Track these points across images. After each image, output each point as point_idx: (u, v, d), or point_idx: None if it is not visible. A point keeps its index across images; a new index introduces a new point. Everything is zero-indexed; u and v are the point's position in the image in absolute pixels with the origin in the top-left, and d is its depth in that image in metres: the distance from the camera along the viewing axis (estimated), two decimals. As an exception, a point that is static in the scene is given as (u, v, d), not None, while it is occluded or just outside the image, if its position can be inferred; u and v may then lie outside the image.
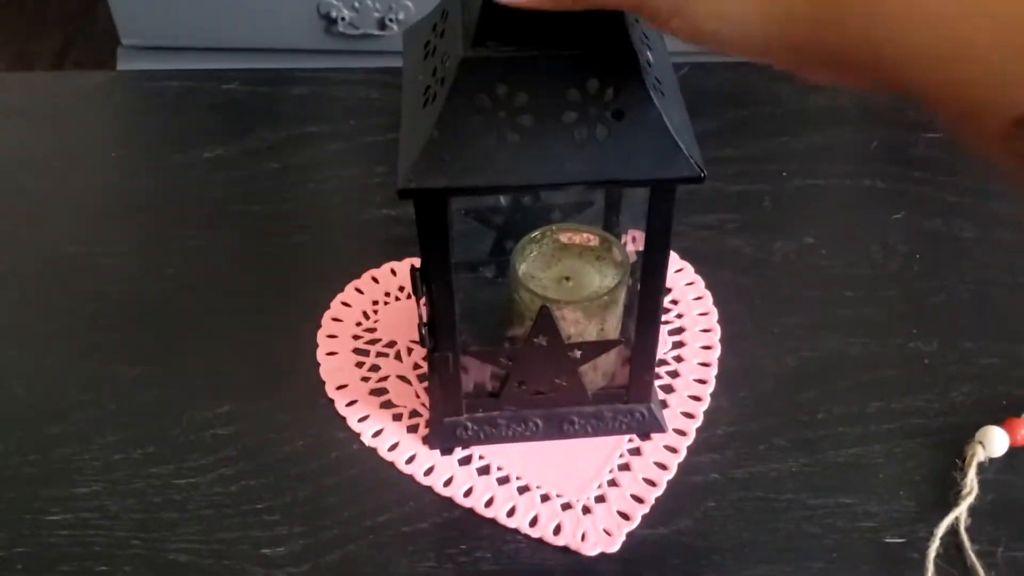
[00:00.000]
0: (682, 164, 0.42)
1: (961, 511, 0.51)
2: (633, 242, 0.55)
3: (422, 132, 0.42)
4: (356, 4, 1.38)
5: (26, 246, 0.66)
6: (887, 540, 0.50)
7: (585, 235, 0.54)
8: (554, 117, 0.42)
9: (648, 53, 0.44)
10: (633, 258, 0.53)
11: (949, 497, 0.52)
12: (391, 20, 1.38)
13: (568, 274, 0.53)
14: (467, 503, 0.52)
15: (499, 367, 0.52)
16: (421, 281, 0.48)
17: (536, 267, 0.53)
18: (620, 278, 0.51)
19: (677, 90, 0.46)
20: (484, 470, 0.53)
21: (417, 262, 0.47)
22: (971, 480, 0.52)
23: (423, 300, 0.49)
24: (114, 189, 0.72)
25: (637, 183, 0.43)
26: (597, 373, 0.55)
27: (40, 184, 0.71)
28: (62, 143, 0.75)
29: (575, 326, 0.51)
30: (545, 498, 0.52)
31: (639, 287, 0.48)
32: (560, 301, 0.50)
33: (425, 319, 0.50)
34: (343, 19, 1.39)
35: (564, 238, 0.54)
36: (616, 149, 0.42)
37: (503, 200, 0.58)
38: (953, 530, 0.50)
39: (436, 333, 0.50)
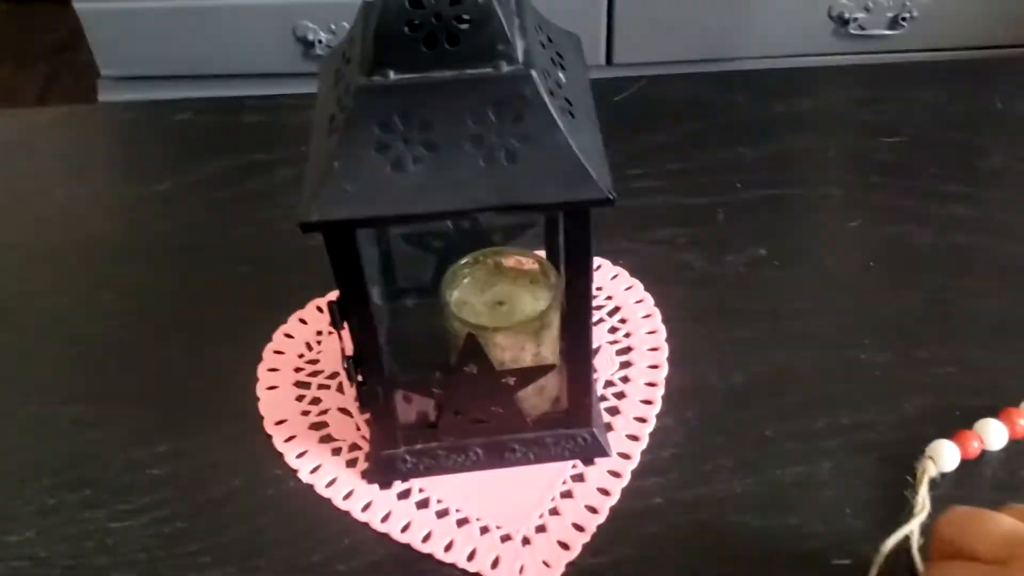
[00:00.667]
0: (590, 187, 0.41)
1: (912, 528, 0.49)
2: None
3: (325, 163, 0.42)
4: (332, 26, 1.38)
5: (-30, 288, 0.66)
6: (833, 562, 0.49)
7: (518, 259, 0.53)
8: (455, 143, 0.41)
9: (560, 73, 0.43)
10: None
11: (900, 516, 0.50)
12: (366, 41, 1.38)
13: (502, 298, 0.52)
14: (404, 539, 0.51)
15: (430, 397, 0.51)
16: (340, 315, 0.47)
17: (469, 293, 0.52)
18: (554, 300, 0.50)
19: (591, 111, 0.44)
20: (423, 503, 0.52)
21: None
22: (923, 497, 0.50)
23: (344, 334, 0.48)
24: (59, 227, 0.71)
25: (544, 207, 0.42)
26: (542, 398, 0.53)
27: (-11, 223, 0.71)
28: (6, 179, 0.75)
29: (509, 352, 0.50)
30: (484, 530, 0.51)
31: (567, 314, 0.47)
32: (489, 328, 0.49)
33: (349, 353, 0.49)
34: (320, 42, 1.38)
35: (497, 263, 0.53)
36: (521, 173, 0.41)
37: (449, 224, 0.57)
38: (905, 548, 0.49)
39: (362, 366, 0.49)
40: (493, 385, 0.50)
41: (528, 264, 0.53)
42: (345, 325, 0.47)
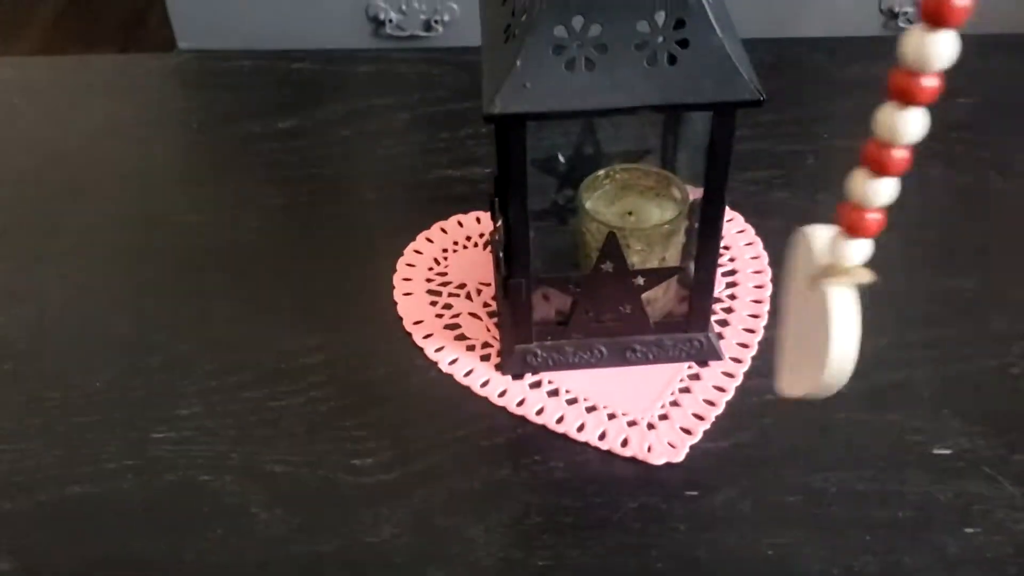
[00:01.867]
0: (742, 87, 0.46)
1: None
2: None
3: (505, 64, 0.47)
4: (403, 6, 1.44)
5: (118, 205, 0.71)
6: (934, 451, 0.54)
7: (645, 173, 0.58)
8: (625, 47, 0.46)
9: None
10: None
11: (987, 412, 0.55)
12: (436, 22, 1.44)
13: (630, 209, 0.57)
14: (539, 420, 0.56)
15: (568, 294, 0.56)
16: (499, 208, 0.52)
17: (600, 204, 0.58)
18: (680, 210, 0.55)
19: (733, 26, 0.50)
20: (553, 392, 0.57)
21: (484, 214, 0.50)
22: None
23: (498, 226, 0.53)
24: (195, 156, 0.77)
25: (700, 107, 0.47)
26: (656, 309, 0.59)
27: (128, 152, 0.76)
28: (142, 116, 0.81)
29: (638, 255, 0.55)
30: (612, 416, 0.56)
31: (700, 213, 0.52)
32: (625, 229, 0.55)
33: (503, 247, 0.54)
34: (390, 21, 1.45)
35: (625, 177, 0.58)
36: (681, 75, 0.46)
37: (561, 157, 0.62)
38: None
39: (511, 260, 0.54)
40: (625, 284, 0.55)
41: (652, 179, 0.58)
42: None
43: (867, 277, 0.38)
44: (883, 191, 0.36)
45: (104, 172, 0.74)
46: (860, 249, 0.37)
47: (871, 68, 0.82)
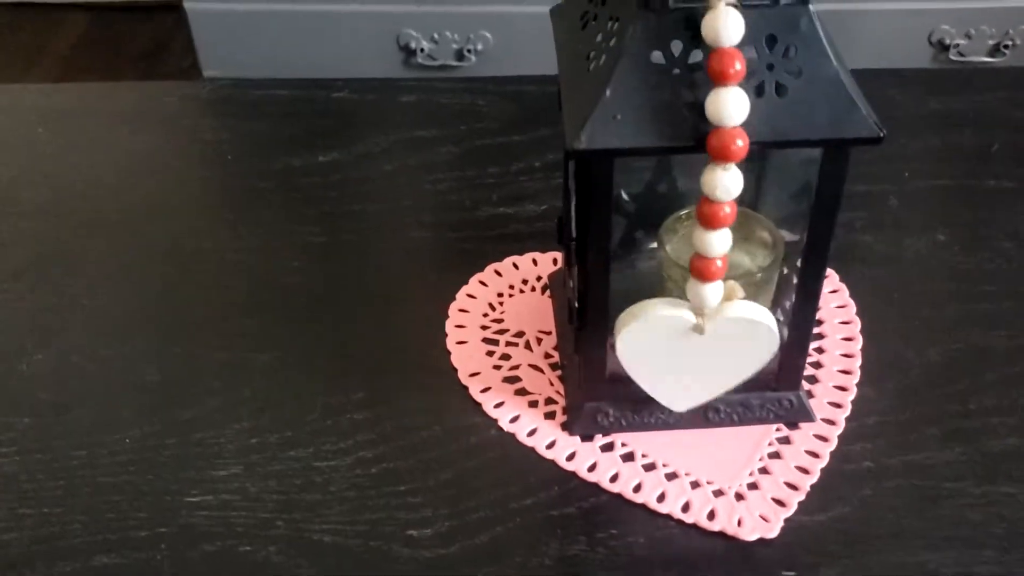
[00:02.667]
0: (860, 123, 0.41)
1: None
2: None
3: (591, 94, 0.42)
4: (435, 35, 1.40)
5: (149, 240, 0.66)
6: (1057, 529, 0.48)
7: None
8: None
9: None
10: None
11: (1119, 487, 0.49)
12: (469, 51, 1.40)
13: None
14: (614, 488, 0.50)
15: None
16: (576, 253, 0.47)
17: (682, 248, 0.52)
18: (774, 257, 0.50)
19: (840, 53, 0.45)
20: (628, 457, 0.52)
21: (540, 255, 0.45)
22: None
23: (574, 273, 0.48)
24: (231, 189, 0.72)
25: (815, 144, 0.42)
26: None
27: (157, 185, 0.72)
28: (171, 146, 0.76)
29: (725, 306, 0.50)
30: (695, 484, 0.50)
31: (802, 262, 0.47)
32: (712, 278, 0.49)
33: (576, 294, 0.49)
34: (422, 50, 1.40)
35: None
36: (792, 107, 0.41)
37: (624, 195, 0.57)
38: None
39: (586, 309, 0.49)
40: (711, 338, 0.50)
41: (738, 220, 0.53)
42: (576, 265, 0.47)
43: (741, 291, 0.46)
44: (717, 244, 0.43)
45: (131, 206, 0.69)
46: (715, 288, 0.45)
47: (950, 103, 0.77)
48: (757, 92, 0.41)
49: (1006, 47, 1.36)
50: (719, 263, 0.44)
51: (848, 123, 0.41)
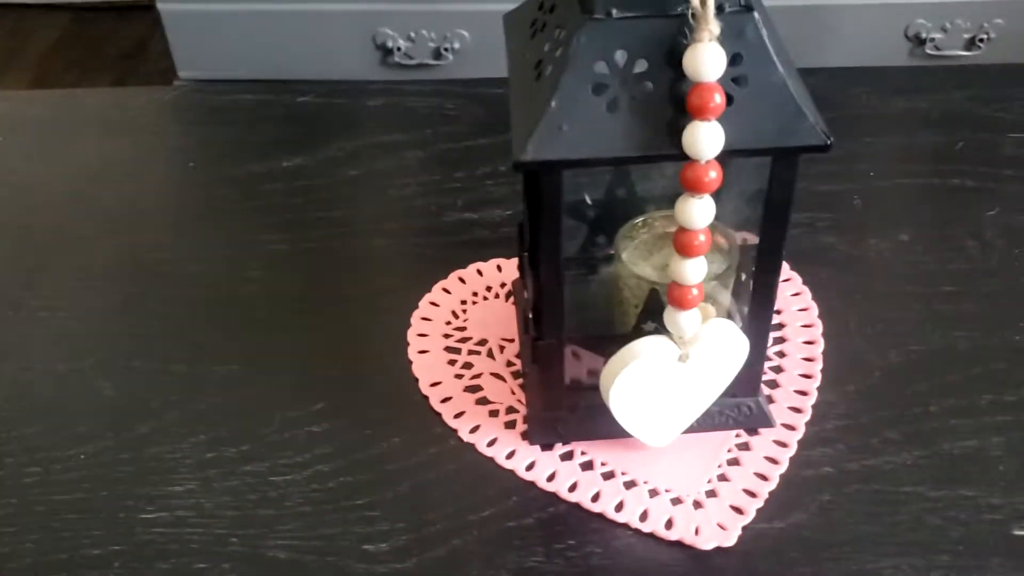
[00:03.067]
0: (807, 131, 0.41)
1: None
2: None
3: (538, 104, 0.42)
4: (412, 34, 1.39)
5: (107, 252, 0.66)
6: (1015, 532, 0.48)
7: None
8: (675, 84, 0.41)
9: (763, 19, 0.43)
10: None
11: (1077, 489, 0.49)
12: (446, 50, 1.39)
13: (670, 262, 0.52)
14: (572, 498, 0.50)
15: (604, 356, 0.50)
16: (529, 264, 0.47)
17: (637, 256, 0.52)
18: (729, 263, 0.50)
19: (792, 62, 0.44)
20: (587, 465, 0.52)
21: (505, 262, 0.45)
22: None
23: (529, 286, 0.48)
24: (192, 197, 0.71)
25: (761, 152, 0.42)
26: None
27: (117, 194, 0.71)
28: (137, 155, 0.75)
29: (682, 314, 0.50)
30: (653, 493, 0.50)
31: (755, 268, 0.47)
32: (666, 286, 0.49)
33: (531, 305, 0.49)
34: (399, 49, 1.40)
35: (665, 225, 0.53)
36: (738, 117, 0.41)
37: (588, 199, 0.57)
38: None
39: (541, 320, 0.48)
40: (668, 345, 0.49)
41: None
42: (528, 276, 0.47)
43: (712, 309, 0.47)
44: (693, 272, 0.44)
45: (92, 216, 0.69)
46: (692, 316, 0.45)
47: (915, 102, 0.77)
48: (703, 101, 0.41)
49: (981, 41, 1.36)
50: (695, 291, 0.44)
51: (795, 131, 0.41)
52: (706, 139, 0.40)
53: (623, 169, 0.53)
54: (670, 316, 0.45)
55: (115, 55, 1.99)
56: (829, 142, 0.41)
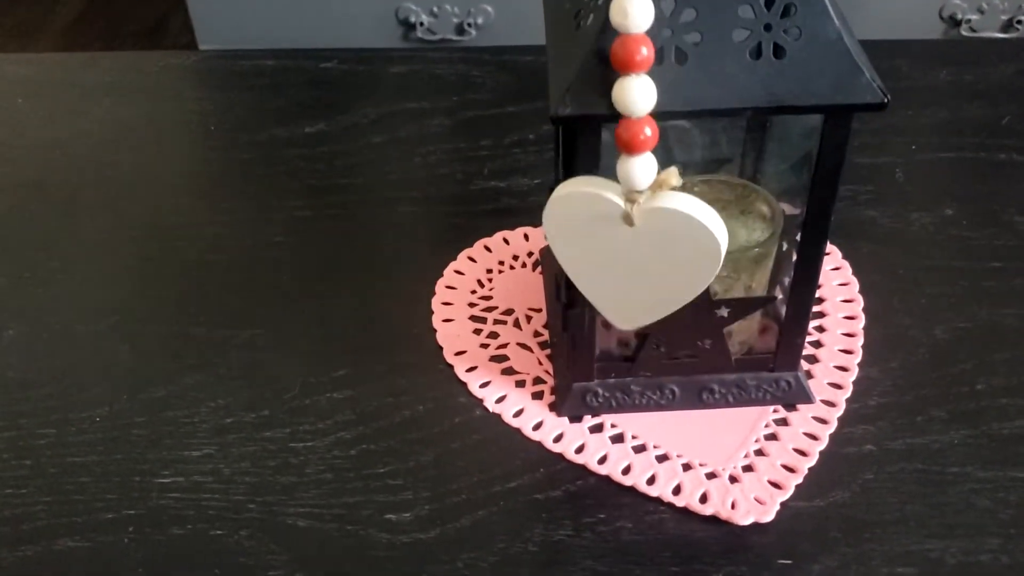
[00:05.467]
0: (863, 88, 0.39)
1: None
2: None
3: (577, 56, 0.40)
4: (435, 9, 1.37)
5: (128, 217, 0.64)
6: (1068, 516, 0.46)
7: (729, 186, 0.51)
8: (724, 35, 0.38)
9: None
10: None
11: None
12: (469, 25, 1.37)
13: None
14: (603, 470, 0.48)
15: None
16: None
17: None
18: (773, 230, 0.48)
19: (844, 15, 0.42)
20: (618, 438, 0.50)
21: (532, 230, 0.43)
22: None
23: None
24: (213, 161, 0.70)
25: (815, 109, 0.40)
26: (733, 341, 0.51)
27: (138, 158, 0.69)
28: (157, 119, 0.73)
29: (721, 282, 0.48)
30: (687, 467, 0.48)
31: (801, 235, 0.45)
32: (707, 252, 0.47)
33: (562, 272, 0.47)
34: (421, 24, 1.38)
35: (704, 190, 0.51)
36: (791, 71, 0.39)
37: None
38: None
39: (573, 286, 0.46)
40: (706, 316, 0.47)
41: (736, 193, 0.51)
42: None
43: (676, 178, 0.40)
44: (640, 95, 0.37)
45: (111, 179, 0.67)
46: (646, 163, 0.39)
47: (959, 75, 0.74)
48: (753, 54, 0.39)
49: (1019, 22, 1.33)
50: (648, 130, 0.38)
51: (851, 88, 0.39)
52: (637, 95, 0.37)
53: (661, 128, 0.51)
54: (620, 163, 0.39)
55: (137, 30, 1.98)
56: (886, 100, 0.39)
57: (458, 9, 1.37)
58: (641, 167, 0.38)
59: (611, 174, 0.41)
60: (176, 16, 1.92)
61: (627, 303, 0.45)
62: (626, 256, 0.42)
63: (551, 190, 0.48)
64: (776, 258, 0.50)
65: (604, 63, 0.38)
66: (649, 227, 0.40)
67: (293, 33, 1.40)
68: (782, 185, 0.50)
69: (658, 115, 0.40)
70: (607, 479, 0.48)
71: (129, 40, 1.94)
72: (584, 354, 0.49)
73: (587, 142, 0.41)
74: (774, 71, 0.39)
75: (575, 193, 0.41)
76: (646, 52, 0.36)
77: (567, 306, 0.48)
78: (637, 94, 0.37)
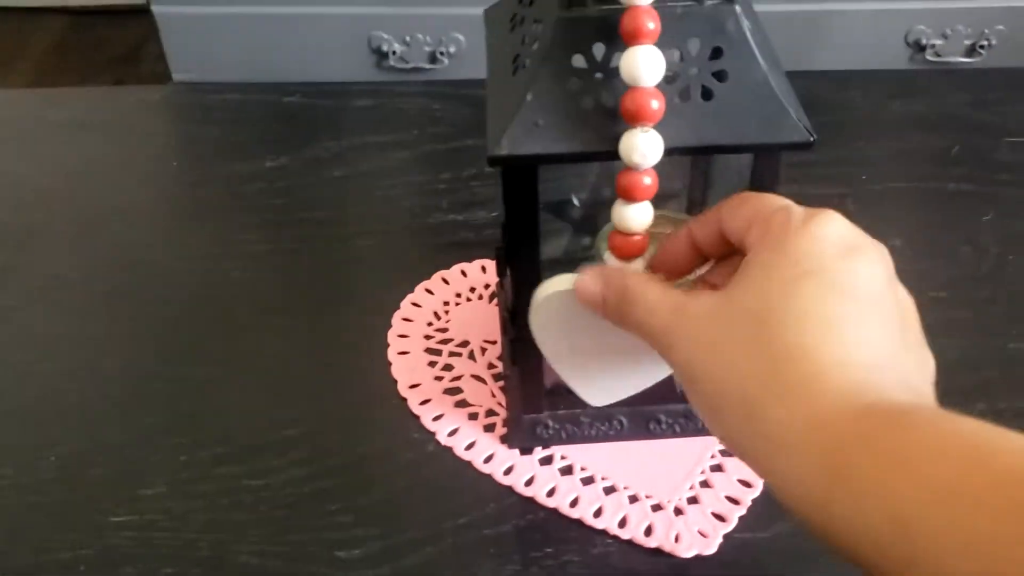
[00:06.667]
0: (790, 127, 0.40)
1: None
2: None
3: (514, 98, 0.40)
4: (407, 38, 1.38)
5: (90, 253, 0.65)
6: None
7: (671, 220, 0.51)
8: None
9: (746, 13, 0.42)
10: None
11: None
12: (442, 54, 1.38)
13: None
14: (551, 503, 0.49)
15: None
16: (505, 261, 0.45)
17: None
18: (712, 263, 0.49)
19: (775, 55, 0.43)
20: (567, 470, 0.50)
21: (490, 263, 0.44)
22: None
23: (507, 283, 0.46)
24: (176, 197, 0.71)
25: (742, 148, 0.41)
26: (681, 373, 0.52)
27: (102, 193, 0.70)
28: (122, 154, 0.74)
29: (664, 316, 0.49)
30: (634, 499, 0.49)
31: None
32: (650, 287, 0.48)
33: (509, 304, 0.47)
34: (394, 53, 1.39)
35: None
36: (719, 112, 0.40)
37: (575, 200, 0.56)
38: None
39: (519, 319, 0.47)
40: (650, 348, 0.48)
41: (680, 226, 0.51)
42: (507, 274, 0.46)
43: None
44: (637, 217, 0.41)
45: (73, 216, 0.68)
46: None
47: (911, 105, 0.75)
48: (682, 96, 0.40)
49: (982, 47, 1.35)
50: (637, 238, 0.41)
51: (777, 128, 0.40)
52: (643, 147, 0.38)
53: (606, 166, 0.52)
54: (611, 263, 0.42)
55: (112, 58, 1.99)
56: (812, 139, 0.40)
57: (430, 38, 1.38)
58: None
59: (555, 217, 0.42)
60: (151, 44, 1.93)
61: (609, 384, 0.46)
62: (608, 341, 0.43)
63: (503, 226, 0.49)
64: (720, 291, 0.50)
65: (538, 105, 0.39)
66: None
67: (265, 63, 1.41)
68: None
69: (589, 155, 0.41)
70: (555, 512, 0.49)
71: (105, 68, 1.95)
72: (533, 386, 0.50)
73: (525, 181, 0.42)
74: (702, 113, 0.40)
75: (555, 293, 0.42)
76: (656, 106, 0.38)
77: (515, 339, 0.48)
78: (643, 146, 0.38)
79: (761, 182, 0.42)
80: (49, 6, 2.11)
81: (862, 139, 0.72)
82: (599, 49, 0.39)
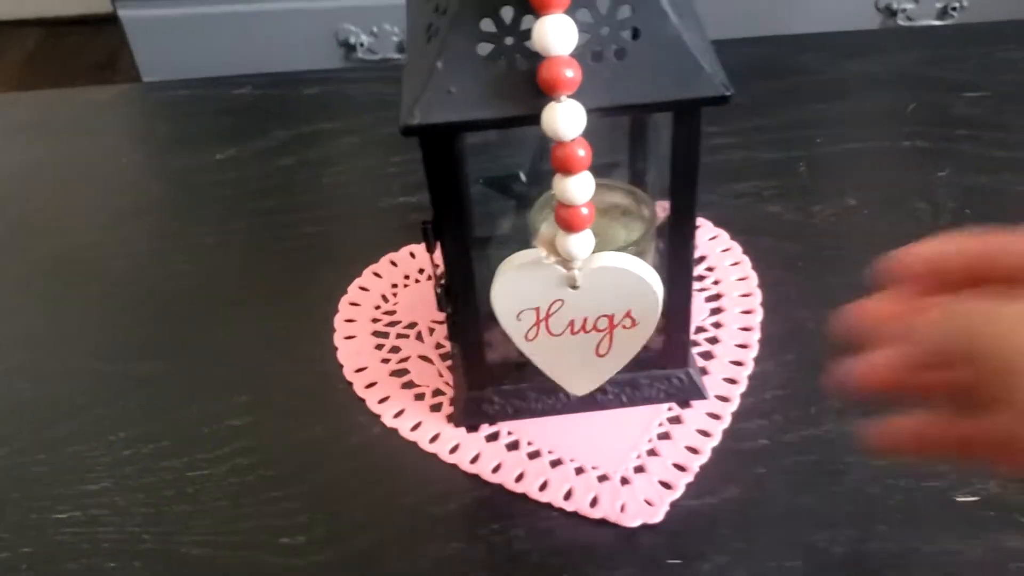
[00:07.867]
0: (704, 83, 0.39)
1: None
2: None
3: (426, 67, 0.40)
4: (374, 29, 1.38)
5: (36, 250, 0.64)
6: (958, 499, 0.46)
7: (610, 190, 0.51)
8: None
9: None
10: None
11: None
12: (409, 43, 1.37)
13: (593, 231, 0.50)
14: (496, 479, 0.48)
15: (524, 332, 0.48)
16: (433, 236, 0.45)
17: (554, 229, 0.50)
18: (646, 228, 0.48)
19: (694, 11, 0.42)
20: (513, 445, 0.50)
21: None
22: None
23: (438, 259, 0.46)
24: (124, 193, 0.70)
25: (657, 107, 0.40)
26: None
27: (49, 191, 0.70)
28: (70, 153, 0.74)
29: (604, 285, 0.48)
30: (580, 471, 0.48)
31: (668, 231, 0.45)
32: (585, 256, 0.47)
33: (442, 280, 0.47)
34: (362, 45, 1.38)
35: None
36: (633, 71, 0.39)
37: (522, 175, 0.55)
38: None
39: (452, 295, 0.47)
40: (590, 317, 0.47)
41: (619, 197, 0.51)
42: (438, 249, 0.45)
43: None
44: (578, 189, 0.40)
45: (17, 217, 0.67)
46: (583, 240, 0.41)
47: (868, 65, 0.74)
48: (595, 57, 0.39)
49: (953, 9, 1.33)
50: (584, 211, 0.40)
51: (692, 84, 0.39)
52: (565, 118, 0.37)
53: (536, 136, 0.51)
54: (561, 240, 0.41)
55: (88, 67, 1.98)
56: (729, 93, 0.39)
57: (398, 28, 1.37)
58: (580, 242, 0.41)
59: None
60: (126, 52, 1.92)
61: (579, 369, 0.46)
62: (572, 319, 0.44)
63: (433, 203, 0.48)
64: (661, 257, 0.50)
65: (450, 72, 0.39)
66: (591, 287, 0.42)
67: (234, 60, 1.39)
68: (665, 186, 0.51)
69: (504, 121, 0.40)
70: (500, 488, 0.48)
71: (81, 77, 1.94)
72: (476, 362, 0.50)
73: (443, 151, 0.41)
74: (615, 72, 0.39)
75: (516, 270, 0.42)
76: (572, 74, 0.37)
77: (451, 315, 0.48)
78: (564, 118, 0.37)
79: (683, 141, 0.41)
80: (23, 18, 2.10)
81: (818, 102, 0.71)
82: (508, 13, 0.39)
